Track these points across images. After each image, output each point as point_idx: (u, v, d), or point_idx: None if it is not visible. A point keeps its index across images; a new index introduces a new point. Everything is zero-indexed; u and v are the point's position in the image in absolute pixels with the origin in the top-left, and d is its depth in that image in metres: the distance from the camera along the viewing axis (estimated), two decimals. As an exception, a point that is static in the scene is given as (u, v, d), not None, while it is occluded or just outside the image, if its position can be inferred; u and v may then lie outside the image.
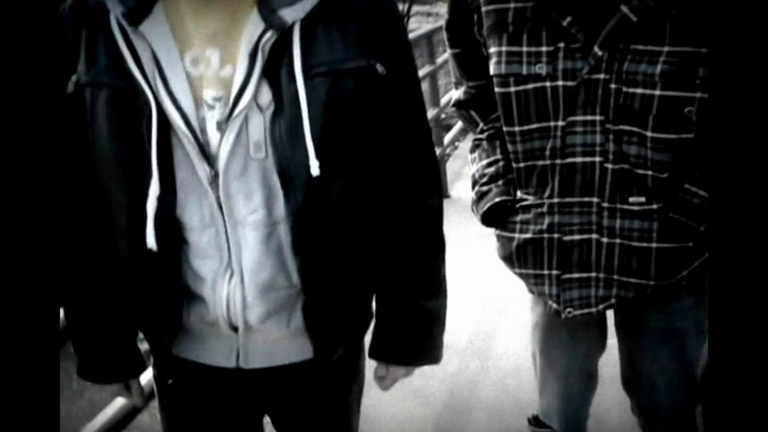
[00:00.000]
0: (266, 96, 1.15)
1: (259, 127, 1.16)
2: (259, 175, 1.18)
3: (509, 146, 1.60)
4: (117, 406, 2.30)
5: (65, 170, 1.22)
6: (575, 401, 1.93)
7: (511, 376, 2.93)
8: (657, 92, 1.40)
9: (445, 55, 3.21)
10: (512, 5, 1.49)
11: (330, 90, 1.16)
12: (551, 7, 1.42)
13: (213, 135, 1.16)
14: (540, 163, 1.53)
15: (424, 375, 2.89)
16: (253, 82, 1.13)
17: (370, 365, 1.46)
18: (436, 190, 1.37)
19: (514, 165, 1.60)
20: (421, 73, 5.83)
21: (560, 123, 1.47)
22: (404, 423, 2.72)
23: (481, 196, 1.69)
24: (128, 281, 1.28)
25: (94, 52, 1.16)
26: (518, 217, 1.61)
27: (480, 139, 1.78)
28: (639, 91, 1.41)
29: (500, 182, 1.67)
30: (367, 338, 1.42)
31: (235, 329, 1.27)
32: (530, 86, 1.48)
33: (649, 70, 1.39)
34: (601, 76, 1.43)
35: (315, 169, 1.15)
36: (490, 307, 3.49)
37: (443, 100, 6.01)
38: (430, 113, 5.81)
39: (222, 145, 1.15)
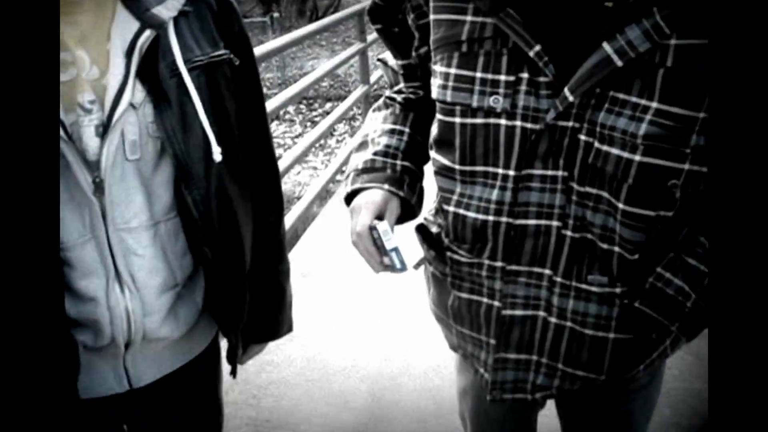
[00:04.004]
0: (139, 94, 1.14)
1: (134, 128, 1.14)
2: (136, 177, 1.17)
3: (440, 181, 1.30)
4: None
5: None
6: None
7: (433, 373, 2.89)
8: (637, 157, 1.11)
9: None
10: (468, 18, 1.20)
11: (209, 80, 1.20)
12: (516, 30, 1.13)
13: (91, 141, 1.12)
14: (481, 217, 1.23)
15: (345, 376, 2.86)
16: (130, 83, 1.12)
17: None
18: (275, 207, 1.45)
19: (444, 206, 1.30)
20: (352, 50, 5.73)
21: (512, 173, 1.19)
22: (323, 427, 2.62)
23: (359, 170, 1.36)
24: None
25: None
26: (447, 269, 1.34)
27: (392, 100, 1.44)
28: (615, 151, 1.11)
29: (395, 164, 1.35)
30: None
31: (127, 346, 1.22)
32: (480, 121, 1.19)
33: (631, 127, 1.09)
34: (570, 123, 1.14)
35: (218, 155, 1.19)
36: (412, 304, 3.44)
37: (372, 78, 5.91)
38: (360, 90, 5.72)
39: (104, 150, 1.11)
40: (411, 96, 1.42)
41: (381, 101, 1.46)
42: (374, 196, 1.30)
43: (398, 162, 1.35)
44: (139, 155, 1.16)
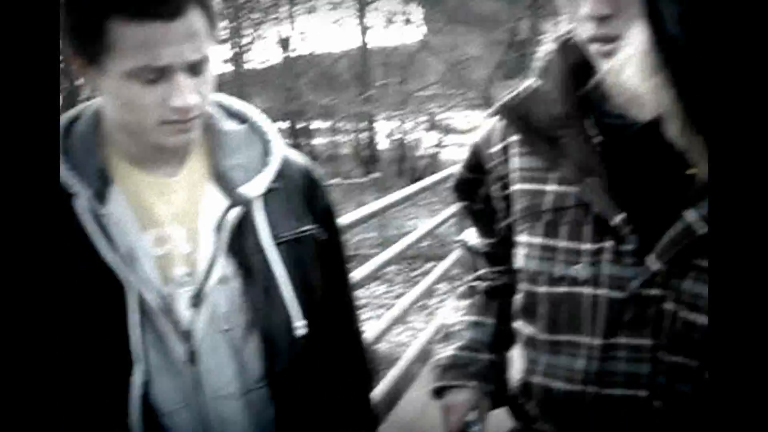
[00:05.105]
0: (229, 268, 1.19)
1: (225, 300, 1.19)
2: (228, 347, 1.20)
3: (524, 351, 1.27)
4: None
5: None
6: None
7: None
8: None
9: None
10: (550, 188, 1.20)
11: (294, 256, 1.24)
12: (599, 199, 1.13)
13: (184, 312, 1.16)
14: (568, 387, 1.18)
15: None
16: (220, 257, 1.17)
17: None
18: (362, 380, 1.43)
19: (530, 378, 1.25)
20: (451, 209, 5.78)
21: (597, 342, 1.15)
22: None
23: (445, 366, 1.33)
24: None
25: None
26: None
27: (474, 288, 1.42)
28: (702, 319, 1.08)
29: (481, 358, 1.33)
30: None
31: None
32: (564, 290, 1.17)
33: None
34: (655, 292, 1.10)
35: (301, 329, 1.21)
36: None
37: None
38: (460, 250, 5.70)
39: (196, 322, 1.16)
40: (494, 283, 1.40)
41: (464, 288, 1.44)
42: (463, 395, 1.29)
43: (484, 356, 1.34)
44: (229, 326, 1.20)
